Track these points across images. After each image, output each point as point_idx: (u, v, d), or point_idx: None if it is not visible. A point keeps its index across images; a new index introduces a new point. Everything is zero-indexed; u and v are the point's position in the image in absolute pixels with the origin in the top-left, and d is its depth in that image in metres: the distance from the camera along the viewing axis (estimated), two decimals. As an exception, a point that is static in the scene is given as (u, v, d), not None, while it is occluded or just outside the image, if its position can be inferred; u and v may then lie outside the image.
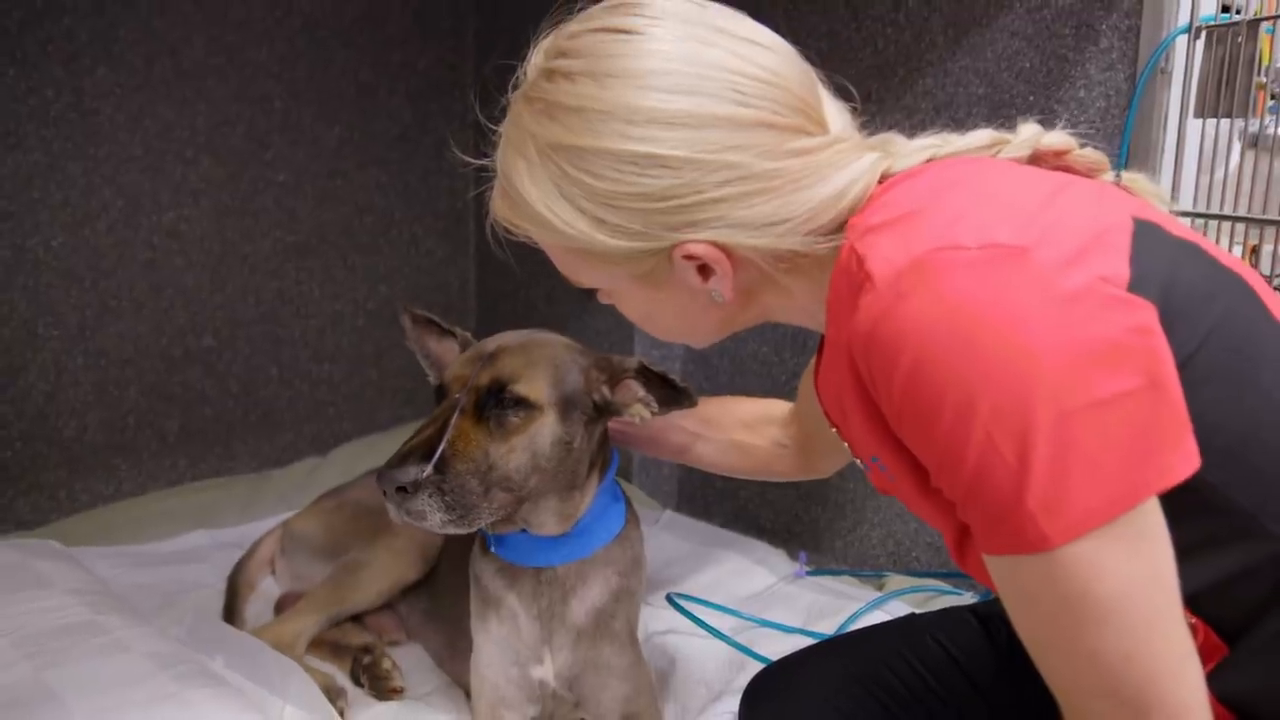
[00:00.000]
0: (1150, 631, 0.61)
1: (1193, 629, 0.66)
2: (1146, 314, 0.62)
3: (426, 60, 2.39)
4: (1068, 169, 0.80)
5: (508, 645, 1.21)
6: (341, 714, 1.28)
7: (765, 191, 0.73)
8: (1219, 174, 1.27)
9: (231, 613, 1.55)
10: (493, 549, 1.19)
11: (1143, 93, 1.33)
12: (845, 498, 1.83)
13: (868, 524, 1.79)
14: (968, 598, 1.55)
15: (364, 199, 2.35)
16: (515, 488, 1.07)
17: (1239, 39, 1.23)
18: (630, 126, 0.72)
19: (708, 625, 1.46)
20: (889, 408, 0.67)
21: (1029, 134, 0.79)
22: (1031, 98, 1.47)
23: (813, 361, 1.02)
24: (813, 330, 0.87)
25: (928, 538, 1.69)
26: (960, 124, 0.83)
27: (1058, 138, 0.80)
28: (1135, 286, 0.63)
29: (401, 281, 2.45)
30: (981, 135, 0.79)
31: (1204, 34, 1.27)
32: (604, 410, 1.14)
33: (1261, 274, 1.24)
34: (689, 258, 0.76)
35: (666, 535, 1.89)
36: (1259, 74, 1.23)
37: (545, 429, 1.07)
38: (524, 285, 2.42)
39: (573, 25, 0.78)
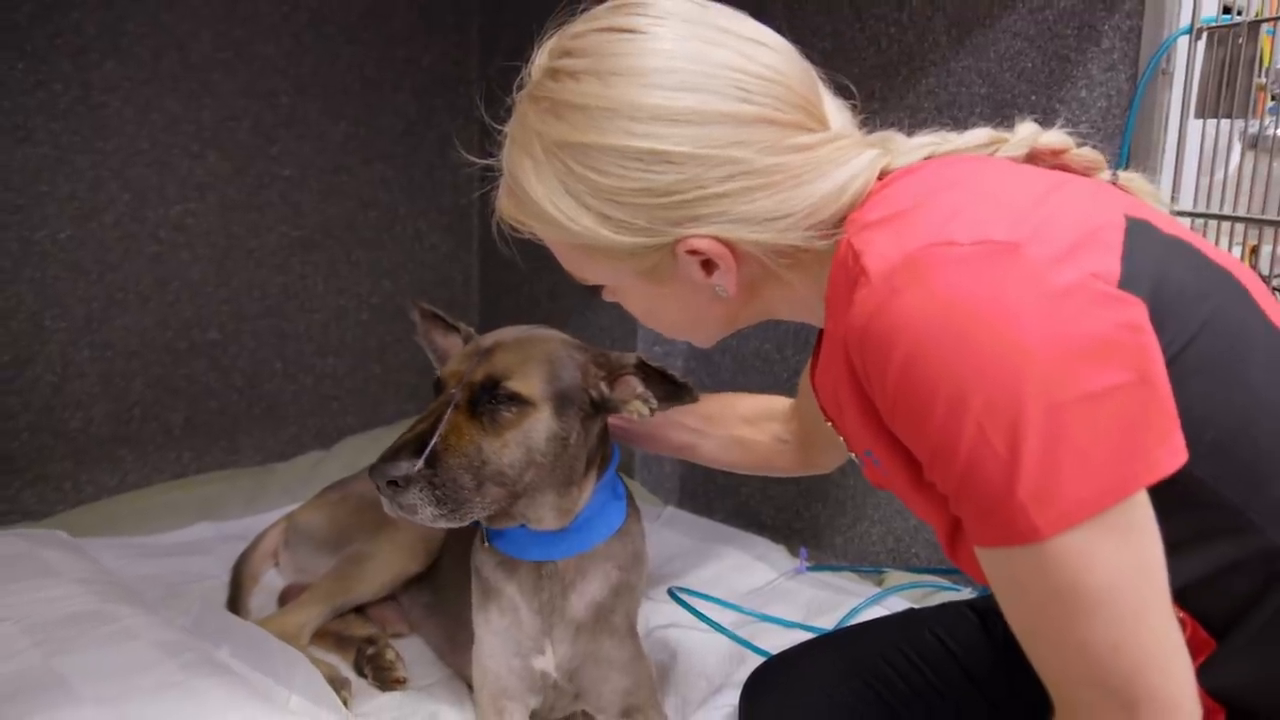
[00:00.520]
0: (1138, 623, 0.62)
1: (1181, 623, 0.67)
2: (1137, 311, 0.63)
3: (431, 56, 2.40)
4: (1065, 168, 0.81)
5: (509, 637, 1.22)
6: (345, 704, 1.29)
7: (767, 187, 0.74)
8: (1219, 174, 1.28)
9: (236, 604, 1.56)
10: (492, 543, 1.20)
11: (1144, 93, 1.33)
12: (846, 494, 1.84)
13: (868, 520, 1.80)
14: (966, 593, 1.56)
15: (369, 194, 2.36)
16: (509, 482, 1.08)
17: (1239, 40, 1.24)
18: (634, 123, 0.73)
19: (709, 619, 1.48)
20: (883, 402, 0.68)
21: (1026, 133, 0.80)
22: (1034, 97, 1.48)
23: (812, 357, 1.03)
24: (814, 326, 0.89)
25: (927, 534, 1.70)
26: (962, 123, 0.84)
27: (1055, 137, 0.81)
28: (1126, 283, 0.64)
29: (405, 276, 2.46)
30: (980, 134, 0.80)
31: (1205, 35, 1.28)
32: (602, 406, 1.15)
33: (1261, 274, 1.25)
34: (692, 252, 0.77)
35: (668, 531, 1.90)
36: (1259, 75, 1.24)
37: (539, 424, 1.08)
38: (527, 280, 2.43)
39: (577, 25, 0.79)
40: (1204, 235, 1.30)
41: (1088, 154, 0.82)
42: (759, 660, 1.26)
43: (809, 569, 1.74)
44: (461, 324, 1.28)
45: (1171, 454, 0.63)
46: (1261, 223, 1.23)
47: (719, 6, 0.79)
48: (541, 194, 0.77)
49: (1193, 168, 1.31)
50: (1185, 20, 1.28)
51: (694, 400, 1.14)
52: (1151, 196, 0.81)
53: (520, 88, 0.81)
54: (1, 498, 1.91)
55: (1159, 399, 0.62)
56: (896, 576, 1.68)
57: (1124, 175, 0.82)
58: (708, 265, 0.79)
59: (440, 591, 1.46)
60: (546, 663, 1.22)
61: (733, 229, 0.75)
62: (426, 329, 1.31)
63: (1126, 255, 0.65)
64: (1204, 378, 0.66)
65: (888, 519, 1.77)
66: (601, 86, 0.74)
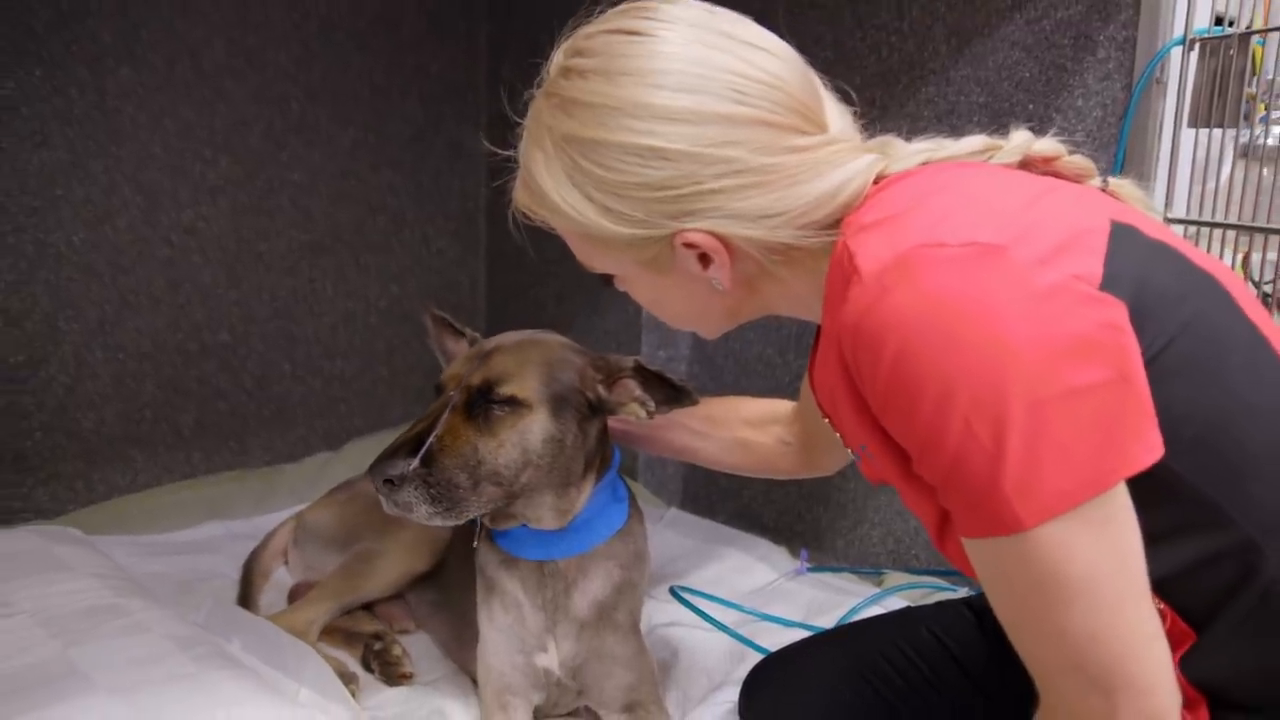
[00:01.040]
0: (1116, 613, 0.64)
1: (1161, 615, 0.70)
2: (1117, 311, 0.65)
3: (440, 63, 2.43)
4: (1057, 174, 0.83)
5: (513, 634, 1.24)
6: (354, 696, 1.31)
7: (760, 185, 0.77)
8: (1211, 183, 1.30)
9: (246, 600, 1.58)
10: (495, 540, 1.23)
11: (1138, 102, 1.36)
12: (847, 497, 1.86)
13: (868, 523, 1.82)
14: (963, 593, 1.57)
15: (377, 199, 2.39)
16: (505, 482, 1.11)
17: (1231, 51, 1.26)
18: (635, 121, 0.76)
19: (710, 618, 1.50)
20: (874, 397, 0.70)
21: (1020, 140, 0.83)
22: (1031, 106, 1.50)
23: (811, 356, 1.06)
24: (814, 326, 0.91)
25: (927, 537, 1.72)
26: (961, 130, 0.86)
27: (1047, 144, 0.83)
28: (1107, 285, 0.66)
29: (413, 281, 2.48)
30: (974, 141, 0.83)
31: (1198, 46, 1.30)
32: (599, 409, 1.17)
33: (1253, 280, 1.27)
34: (689, 245, 0.80)
35: (671, 532, 1.92)
36: (1249, 85, 1.26)
37: (535, 425, 1.11)
38: (533, 285, 2.46)
39: (590, 27, 0.83)
40: (1197, 242, 1.32)
41: (1079, 161, 0.84)
42: (759, 658, 1.28)
43: (809, 570, 1.76)
44: (469, 329, 1.31)
45: (1148, 449, 0.65)
46: (1252, 230, 1.25)
47: (726, 12, 0.82)
48: (550, 186, 0.81)
49: (1186, 176, 1.33)
50: (1178, 31, 1.31)
51: (694, 403, 1.16)
52: (1140, 202, 0.84)
53: (539, 85, 0.85)
54: (15, 496, 1.94)
55: (1137, 396, 0.65)
56: (895, 577, 1.70)
57: (1114, 182, 0.84)
58: (704, 259, 0.82)
59: (446, 590, 1.49)
60: (550, 660, 1.24)
61: (726, 224, 0.78)
62: (438, 334, 1.34)
63: (1109, 258, 0.68)
64: (1184, 378, 0.68)
65: (888, 521, 1.79)
66: (607, 85, 0.78)
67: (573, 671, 1.25)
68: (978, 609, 1.15)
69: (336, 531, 1.62)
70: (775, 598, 1.65)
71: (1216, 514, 0.68)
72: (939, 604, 1.21)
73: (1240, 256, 1.30)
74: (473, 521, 1.20)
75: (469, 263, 2.60)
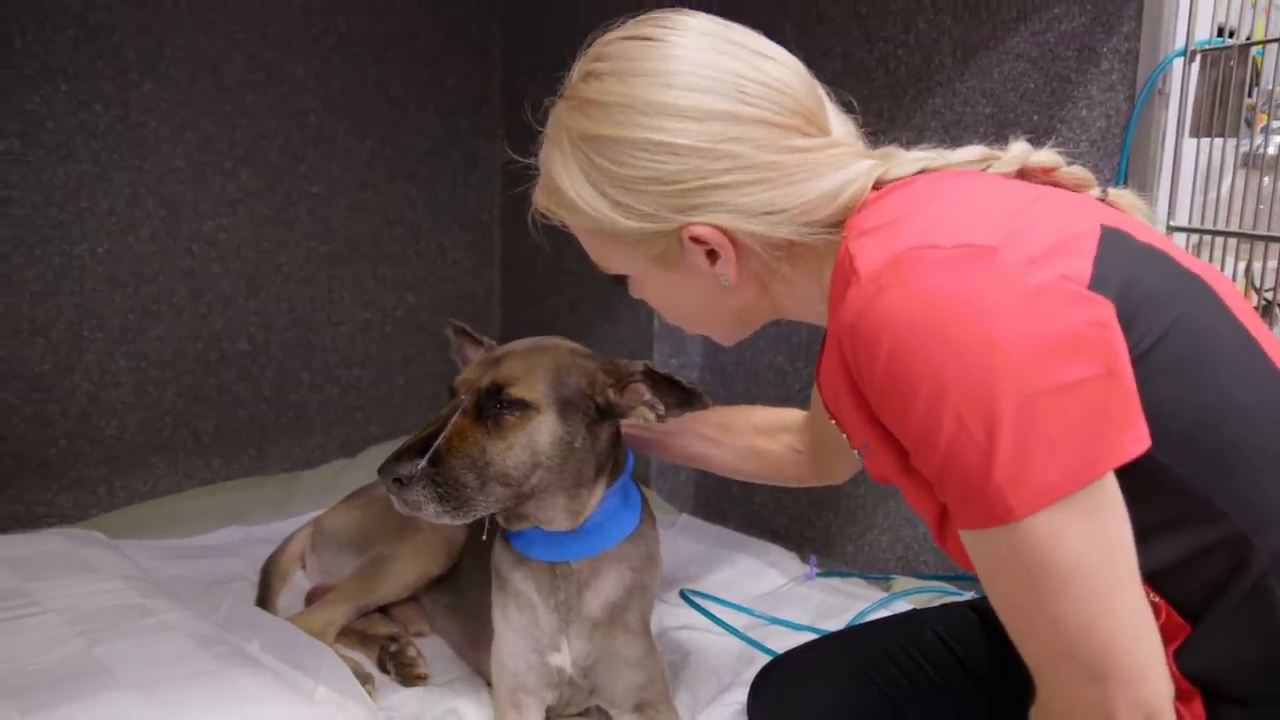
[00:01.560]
0: (1106, 601, 0.66)
1: (1156, 608, 0.72)
2: (1105, 309, 0.68)
3: (455, 77, 2.47)
4: (1056, 184, 0.86)
5: (526, 634, 1.26)
6: (370, 695, 1.33)
7: (761, 182, 0.80)
8: (1213, 192, 1.32)
9: (265, 603, 1.61)
10: (510, 540, 1.25)
11: (1141, 113, 1.38)
12: (856, 504, 1.88)
13: (877, 529, 1.84)
14: (969, 596, 1.59)
15: (394, 210, 2.43)
16: (514, 483, 1.14)
17: (1231, 62, 1.28)
18: (645, 118, 0.81)
19: (721, 621, 1.52)
20: (871, 394, 0.73)
21: (1018, 151, 0.85)
22: (1036, 117, 1.52)
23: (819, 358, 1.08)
24: (823, 333, 0.93)
25: (935, 543, 1.73)
26: (966, 142, 0.89)
27: (1045, 155, 0.86)
28: (1096, 285, 0.69)
29: (429, 291, 2.52)
30: (972, 150, 0.85)
31: (1199, 57, 1.32)
32: (609, 412, 1.19)
33: (1255, 286, 1.28)
34: (695, 240, 0.83)
35: (683, 538, 1.94)
36: (1249, 95, 1.28)
37: (543, 427, 1.14)
38: (548, 294, 2.49)
39: (608, 34, 0.88)
40: (1199, 251, 1.34)
41: (1077, 172, 0.87)
42: (768, 660, 1.29)
43: (819, 575, 1.78)
44: (485, 338, 1.34)
45: (1134, 441, 0.67)
46: (1253, 238, 1.27)
47: (737, 26, 0.86)
48: (566, 183, 0.85)
49: (1189, 185, 1.35)
50: (1180, 43, 1.33)
51: (704, 406, 1.18)
52: (1140, 212, 0.86)
53: (561, 93, 0.90)
54: (39, 501, 1.99)
55: (1123, 390, 0.67)
56: (903, 582, 1.71)
57: (1114, 192, 0.87)
58: (711, 256, 0.85)
59: (461, 593, 1.51)
60: (563, 659, 1.26)
61: (730, 219, 0.81)
62: (459, 344, 1.38)
63: (1098, 259, 0.70)
64: (1173, 375, 0.70)
65: (896, 527, 1.80)
66: (621, 85, 0.82)
67: (585, 671, 1.27)
68: (981, 611, 1.16)
69: (353, 536, 1.65)
70: (785, 602, 1.67)
71: (1207, 508, 0.70)
72: (944, 606, 1.22)
73: (1243, 264, 1.31)
74: (486, 524, 1.22)
75: (484, 273, 2.63)
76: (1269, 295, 1.30)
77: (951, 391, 0.66)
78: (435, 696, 1.40)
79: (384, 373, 2.47)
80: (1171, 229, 1.35)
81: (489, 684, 1.36)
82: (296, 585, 1.71)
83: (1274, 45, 1.27)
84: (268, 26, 2.16)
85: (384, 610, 1.58)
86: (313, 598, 1.65)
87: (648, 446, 1.34)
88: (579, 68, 0.87)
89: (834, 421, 0.93)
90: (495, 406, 1.13)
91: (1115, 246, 0.73)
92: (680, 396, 1.18)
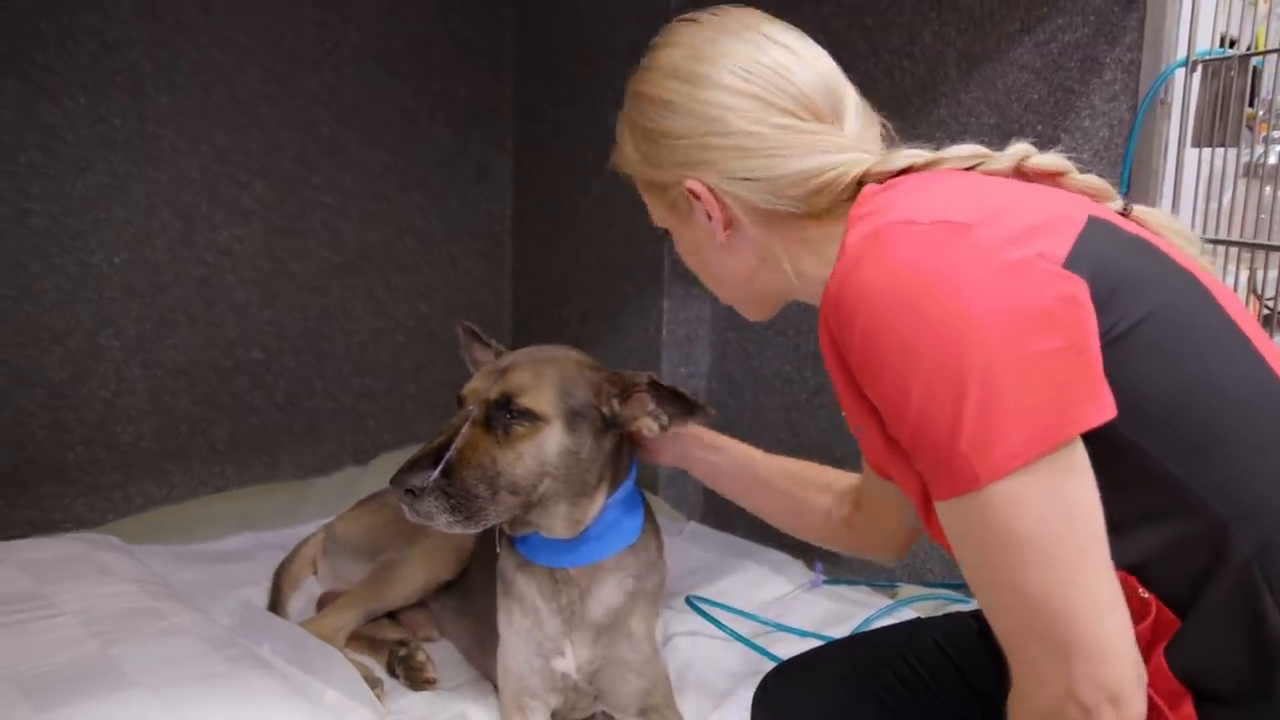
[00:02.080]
0: (1069, 573, 0.67)
1: (1146, 605, 0.72)
2: (1077, 287, 0.70)
3: (466, 89, 2.50)
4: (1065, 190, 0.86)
5: (531, 638, 1.28)
6: (379, 699, 1.35)
7: (743, 149, 0.87)
8: (1215, 202, 1.32)
9: (276, 608, 1.63)
10: (514, 545, 1.27)
11: (1143, 122, 1.39)
12: (863, 511, 1.88)
13: (884, 536, 1.84)
14: (973, 605, 1.59)
15: (406, 221, 2.46)
16: (523, 492, 1.15)
17: (1232, 73, 1.29)
18: (665, 79, 0.90)
19: (726, 627, 1.53)
20: (854, 365, 0.75)
21: (1016, 150, 0.86)
22: (1040, 127, 1.53)
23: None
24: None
25: (941, 551, 1.74)
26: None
27: (1052, 159, 0.86)
28: (1070, 264, 0.71)
29: (440, 300, 2.54)
30: (963, 148, 0.87)
31: (1200, 68, 1.33)
32: (613, 423, 1.21)
33: (1257, 294, 1.29)
34: (691, 194, 0.90)
35: (690, 545, 1.95)
36: (1250, 105, 1.29)
37: (551, 438, 1.15)
38: (557, 304, 2.51)
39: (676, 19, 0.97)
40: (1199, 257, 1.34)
41: (1092, 181, 0.87)
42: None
43: (825, 582, 1.79)
44: (494, 341, 1.36)
45: (1099, 410, 0.69)
46: (1254, 247, 1.28)
47: (778, 21, 0.93)
48: (622, 136, 0.97)
49: (1191, 194, 1.36)
50: (1181, 53, 1.34)
51: (707, 416, 1.19)
52: (1176, 234, 0.85)
53: None
54: (56, 507, 2.01)
55: (1088, 365, 0.69)
56: (909, 590, 1.72)
57: (1139, 209, 0.86)
58: (709, 215, 0.91)
59: (469, 598, 1.53)
60: (567, 664, 1.28)
61: (717, 180, 0.88)
62: (469, 344, 1.40)
63: (1078, 243, 0.72)
64: (1151, 358, 0.71)
65: (903, 535, 1.81)
66: (657, 53, 0.93)
67: (589, 676, 1.28)
68: (982, 620, 1.16)
69: (364, 542, 1.67)
70: (791, 609, 1.68)
71: (1185, 495, 0.71)
72: (947, 615, 1.23)
73: (1246, 273, 1.32)
74: (494, 531, 1.24)
75: (495, 282, 2.66)
76: (1271, 304, 1.30)
77: (922, 361, 0.68)
78: (444, 700, 1.41)
79: (396, 381, 2.50)
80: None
81: (497, 688, 1.38)
82: (308, 590, 1.73)
83: (1274, 55, 1.28)
84: (281, 40, 2.20)
85: (393, 615, 1.60)
86: (324, 603, 1.67)
87: (655, 456, 1.31)
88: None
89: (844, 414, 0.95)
90: (504, 417, 1.15)
91: (1099, 234, 0.74)
92: (682, 407, 1.19)
